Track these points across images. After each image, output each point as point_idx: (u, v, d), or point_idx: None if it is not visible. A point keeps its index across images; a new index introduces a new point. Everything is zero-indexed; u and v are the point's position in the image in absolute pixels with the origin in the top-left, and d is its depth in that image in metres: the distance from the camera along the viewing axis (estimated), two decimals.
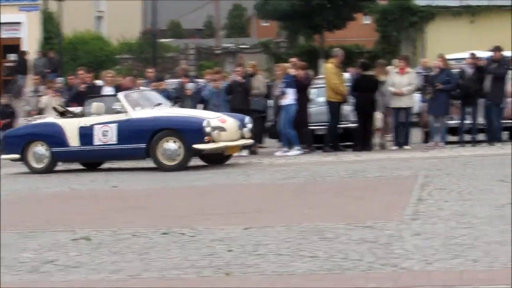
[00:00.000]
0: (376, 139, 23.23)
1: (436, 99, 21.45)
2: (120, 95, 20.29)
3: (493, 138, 21.87)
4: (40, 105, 23.58)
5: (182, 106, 23.06)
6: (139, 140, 19.11)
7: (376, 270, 8.18)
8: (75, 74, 25.11)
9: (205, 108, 23.14)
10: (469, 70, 22.76)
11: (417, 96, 22.54)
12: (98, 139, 19.36)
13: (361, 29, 52.58)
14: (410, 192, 13.44)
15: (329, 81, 22.47)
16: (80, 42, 38.11)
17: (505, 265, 8.07)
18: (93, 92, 22.92)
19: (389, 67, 23.25)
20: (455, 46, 30.13)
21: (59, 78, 25.64)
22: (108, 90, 23.26)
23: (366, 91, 21.70)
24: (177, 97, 23.53)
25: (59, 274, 8.67)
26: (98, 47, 39.19)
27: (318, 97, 23.45)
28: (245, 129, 20.01)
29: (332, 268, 8.32)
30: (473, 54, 23.50)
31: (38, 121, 20.69)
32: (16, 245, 10.26)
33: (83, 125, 19.51)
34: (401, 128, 22.37)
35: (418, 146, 23.00)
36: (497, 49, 22.95)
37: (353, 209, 12.46)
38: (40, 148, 19.76)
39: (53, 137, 19.67)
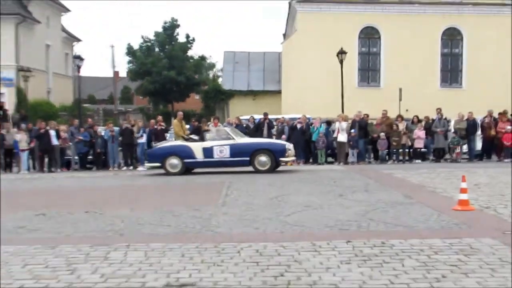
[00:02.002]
0: None
1: None
2: (227, 128, 19.78)
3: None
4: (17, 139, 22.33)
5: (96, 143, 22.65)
6: (244, 155, 18.44)
7: (203, 233, 8.31)
8: (35, 122, 23.88)
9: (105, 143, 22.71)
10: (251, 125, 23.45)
11: None
12: (216, 155, 18.55)
13: (194, 102, 52.60)
14: (221, 191, 13.45)
15: (174, 130, 22.40)
16: (37, 105, 36.90)
17: (273, 231, 8.32)
18: (46, 134, 21.87)
19: (209, 122, 23.51)
20: (245, 112, 30.46)
21: (23, 125, 24.34)
22: (52, 133, 22.12)
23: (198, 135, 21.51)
24: (92, 137, 22.85)
25: (28, 233, 8.53)
26: (49, 107, 38.05)
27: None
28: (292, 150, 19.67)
29: (178, 232, 8.44)
30: (252, 117, 24.23)
31: (171, 144, 19.65)
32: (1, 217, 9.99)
33: (205, 146, 18.64)
34: None
35: None
36: (265, 114, 23.80)
37: (190, 199, 12.40)
38: (175, 160, 18.78)
39: (185, 153, 18.74)
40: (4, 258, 6.91)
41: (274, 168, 18.74)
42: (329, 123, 23.50)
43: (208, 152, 18.71)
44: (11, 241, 8.00)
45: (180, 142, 19.51)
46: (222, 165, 18.89)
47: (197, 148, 18.84)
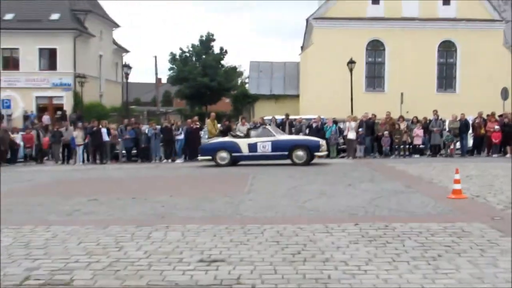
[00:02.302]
0: None
1: None
2: (269, 127, 19.46)
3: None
4: (73, 136, 22.53)
5: (140, 140, 22.49)
6: (284, 150, 18.17)
7: (233, 216, 8.27)
8: (89, 121, 24.10)
9: (148, 139, 22.60)
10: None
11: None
12: (260, 150, 18.34)
13: (225, 104, 52.48)
14: (247, 181, 13.42)
15: (208, 128, 22.43)
16: (91, 107, 37.31)
17: (291, 215, 8.23)
18: (98, 131, 21.91)
19: (237, 122, 23.43)
20: (268, 113, 30.39)
21: (79, 123, 24.59)
22: (103, 131, 22.27)
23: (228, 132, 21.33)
24: (137, 135, 22.76)
25: (82, 216, 8.58)
26: (101, 109, 38.34)
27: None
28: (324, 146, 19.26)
29: (210, 215, 8.34)
30: (274, 117, 23.92)
31: (221, 140, 19.46)
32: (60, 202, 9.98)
33: (250, 142, 18.43)
34: None
35: None
36: (287, 115, 23.51)
37: (220, 188, 12.35)
38: (224, 154, 18.51)
39: (232, 148, 18.46)
40: (62, 237, 6.99)
41: (309, 161, 18.43)
42: (335, 122, 23.33)
43: (252, 147, 18.47)
44: (68, 222, 8.08)
45: (228, 139, 19.26)
46: (264, 159, 18.62)
47: (243, 143, 18.58)
